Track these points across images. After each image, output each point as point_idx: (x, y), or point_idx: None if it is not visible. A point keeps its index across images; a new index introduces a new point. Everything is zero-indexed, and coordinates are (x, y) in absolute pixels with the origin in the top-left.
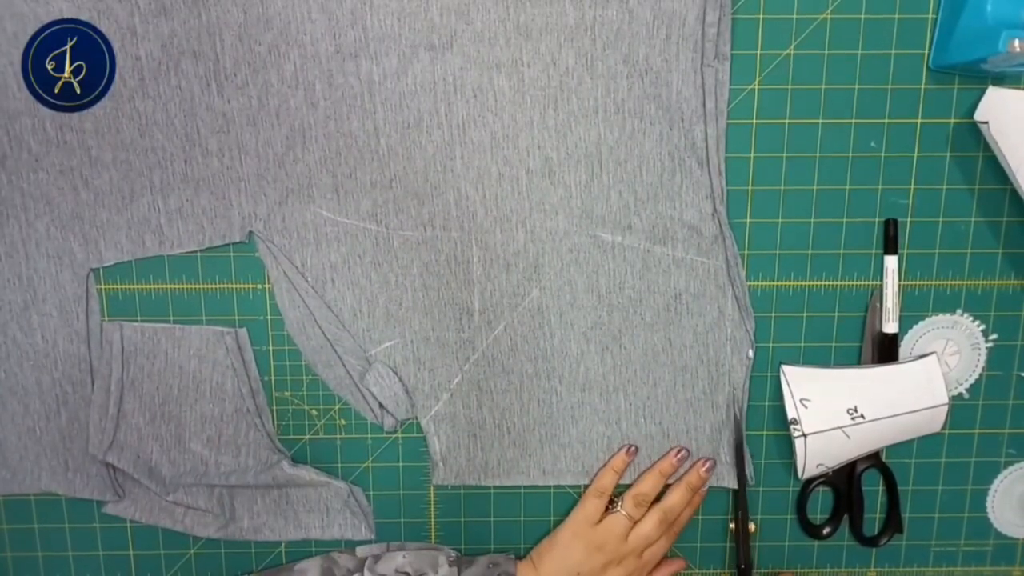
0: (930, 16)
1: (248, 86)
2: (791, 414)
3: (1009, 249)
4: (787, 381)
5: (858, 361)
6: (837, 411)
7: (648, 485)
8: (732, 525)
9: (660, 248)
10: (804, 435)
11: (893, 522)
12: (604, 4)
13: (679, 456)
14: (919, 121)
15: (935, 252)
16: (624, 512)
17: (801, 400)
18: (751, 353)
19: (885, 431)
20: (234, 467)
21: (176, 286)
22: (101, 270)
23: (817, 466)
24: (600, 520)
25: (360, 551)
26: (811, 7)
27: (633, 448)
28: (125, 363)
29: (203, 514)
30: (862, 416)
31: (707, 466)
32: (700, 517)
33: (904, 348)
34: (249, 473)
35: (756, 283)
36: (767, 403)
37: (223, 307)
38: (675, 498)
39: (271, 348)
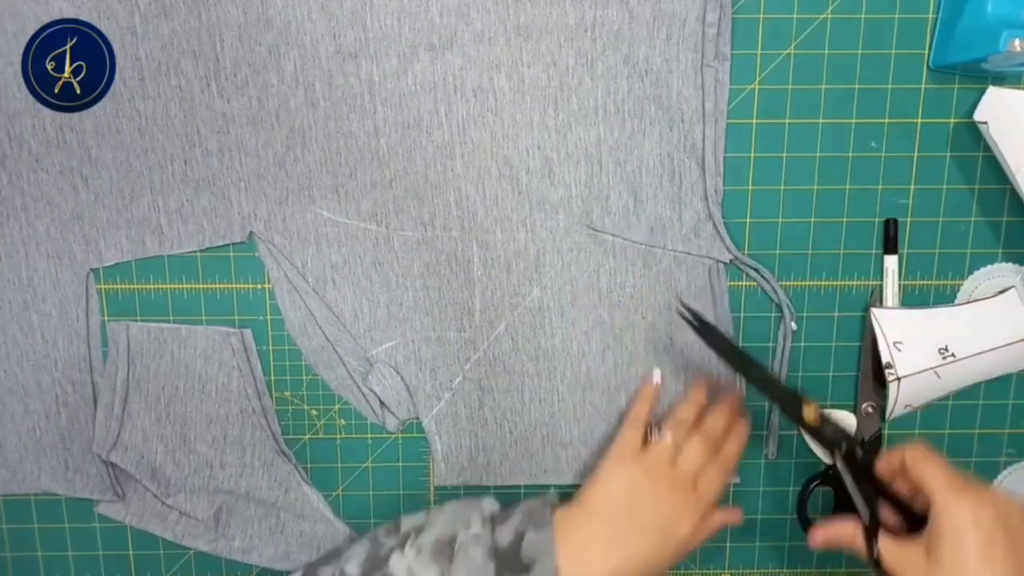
0: (930, 16)
1: (248, 86)
2: (885, 358)
3: (1009, 249)
4: (879, 325)
5: (857, 366)
6: (929, 352)
7: (684, 411)
8: None
9: (660, 247)
10: (898, 379)
11: None
12: (604, 4)
13: (702, 384)
14: (919, 121)
15: (935, 252)
16: (666, 438)
17: (895, 343)
18: (793, 326)
19: (975, 368)
20: (239, 468)
21: (176, 286)
22: (101, 270)
23: (905, 407)
24: (643, 448)
25: (404, 523)
26: (811, 7)
27: (658, 377)
28: (131, 363)
29: (195, 524)
30: (953, 355)
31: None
32: None
33: None
34: (257, 474)
35: (756, 283)
36: (767, 403)
37: (223, 307)
38: (712, 420)
39: (271, 348)
